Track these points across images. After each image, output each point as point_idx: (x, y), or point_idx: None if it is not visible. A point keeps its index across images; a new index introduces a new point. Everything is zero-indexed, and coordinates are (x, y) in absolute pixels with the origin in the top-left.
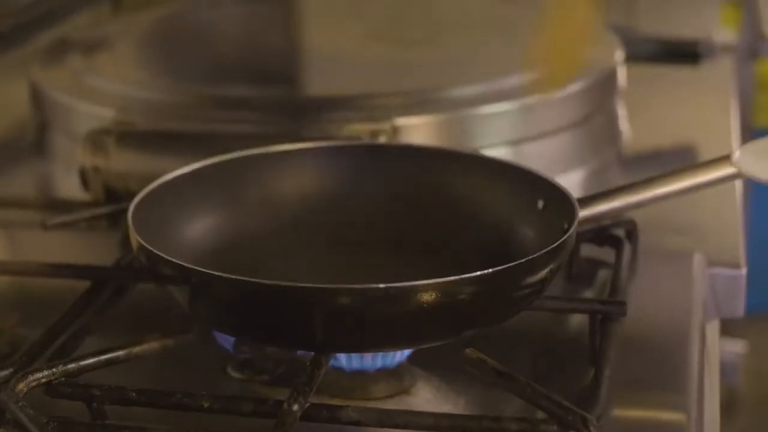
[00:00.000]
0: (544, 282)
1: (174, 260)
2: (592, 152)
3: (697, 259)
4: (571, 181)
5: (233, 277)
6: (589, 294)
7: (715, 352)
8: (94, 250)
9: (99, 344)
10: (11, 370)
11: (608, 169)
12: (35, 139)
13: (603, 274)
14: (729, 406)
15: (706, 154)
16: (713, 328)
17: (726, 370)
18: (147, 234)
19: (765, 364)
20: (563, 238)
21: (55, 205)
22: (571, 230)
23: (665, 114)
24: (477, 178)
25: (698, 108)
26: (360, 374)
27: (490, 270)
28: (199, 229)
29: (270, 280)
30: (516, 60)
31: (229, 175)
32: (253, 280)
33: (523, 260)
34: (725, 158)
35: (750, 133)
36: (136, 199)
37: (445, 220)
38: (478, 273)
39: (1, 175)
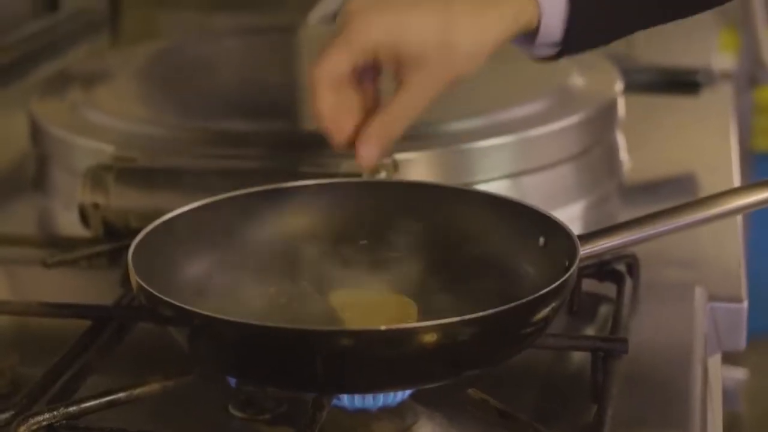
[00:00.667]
0: (546, 320)
1: (174, 302)
2: (592, 184)
3: (699, 293)
4: (572, 214)
5: (233, 319)
6: (590, 329)
7: (717, 385)
8: (94, 288)
9: (101, 385)
10: (12, 412)
11: (609, 200)
12: (35, 174)
13: (605, 309)
14: (731, 429)
15: (706, 182)
16: (715, 361)
17: (727, 395)
18: (147, 274)
19: (765, 384)
20: (565, 277)
21: (55, 242)
22: (573, 268)
23: (665, 143)
24: (479, 214)
25: (698, 136)
26: (362, 413)
27: (491, 311)
28: (199, 267)
29: (271, 323)
30: (515, 92)
31: (229, 213)
32: (253, 323)
33: (523, 300)
34: (728, 192)
35: (749, 156)
36: (137, 240)
37: (446, 257)
38: (478, 314)
39: (1, 210)
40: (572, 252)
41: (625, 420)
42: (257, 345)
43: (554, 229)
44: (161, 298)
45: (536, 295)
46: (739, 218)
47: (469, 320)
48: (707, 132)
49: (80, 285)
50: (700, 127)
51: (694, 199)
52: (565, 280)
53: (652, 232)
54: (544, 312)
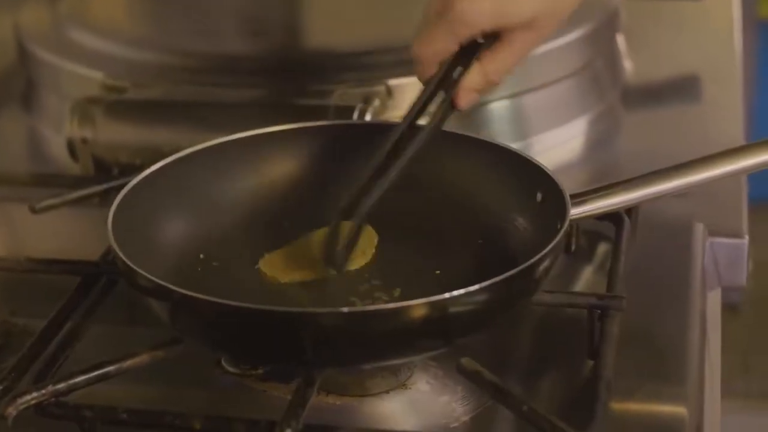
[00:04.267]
0: (538, 283)
1: (157, 280)
2: (595, 97)
3: (698, 229)
4: (576, 129)
5: (217, 300)
6: (588, 270)
7: (716, 322)
8: (85, 230)
9: (90, 347)
10: (0, 388)
11: (612, 110)
12: (23, 92)
13: (603, 249)
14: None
15: (709, 85)
16: (715, 296)
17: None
18: (127, 239)
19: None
20: (553, 243)
21: (44, 180)
22: (560, 233)
23: (667, 45)
24: (477, 163)
25: (701, 38)
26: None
27: (478, 286)
28: (179, 225)
29: (253, 304)
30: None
31: (205, 163)
32: (235, 303)
33: (513, 271)
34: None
35: (756, 24)
36: (114, 206)
37: (441, 205)
38: (468, 289)
39: None
40: (563, 214)
41: (622, 373)
42: (239, 325)
43: (551, 187)
44: (142, 274)
45: (525, 265)
46: None
47: (459, 296)
48: (710, 33)
49: (70, 227)
50: (703, 29)
51: (696, 159)
52: (554, 245)
53: (651, 190)
54: (536, 275)
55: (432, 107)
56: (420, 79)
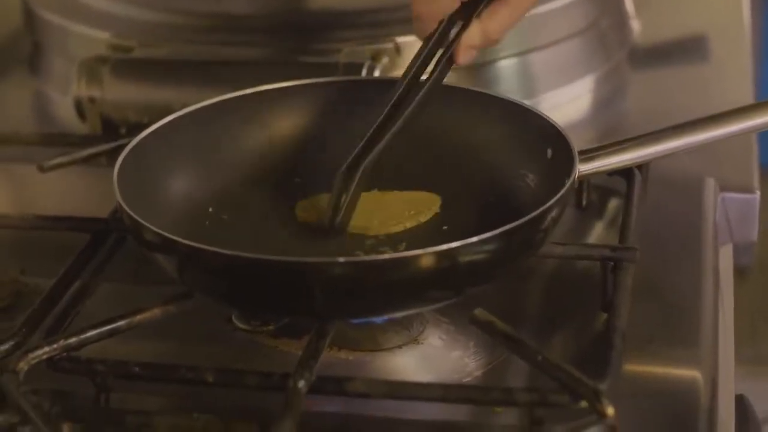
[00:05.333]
0: (546, 233)
1: (163, 233)
2: (602, 56)
3: (709, 184)
4: (583, 87)
5: (224, 251)
6: (600, 226)
7: (729, 276)
8: (94, 189)
9: (101, 303)
10: (12, 343)
11: (620, 69)
12: (29, 56)
13: (614, 204)
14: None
15: (717, 46)
16: (726, 251)
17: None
18: (134, 195)
19: None
20: (559, 195)
21: (52, 139)
22: (567, 185)
23: (675, 7)
24: (488, 118)
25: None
26: (368, 325)
27: (488, 234)
28: (187, 180)
29: (262, 255)
30: None
31: (213, 119)
32: (244, 254)
33: (519, 222)
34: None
35: None
36: (119, 161)
37: (450, 161)
38: (477, 238)
39: None
40: (571, 167)
41: (634, 326)
42: (249, 276)
43: (561, 142)
44: (148, 227)
45: (529, 216)
46: None
47: (469, 245)
48: None
49: (79, 185)
50: None
51: (705, 116)
52: (559, 198)
53: (660, 148)
54: (543, 226)
55: (431, 64)
56: (419, 36)
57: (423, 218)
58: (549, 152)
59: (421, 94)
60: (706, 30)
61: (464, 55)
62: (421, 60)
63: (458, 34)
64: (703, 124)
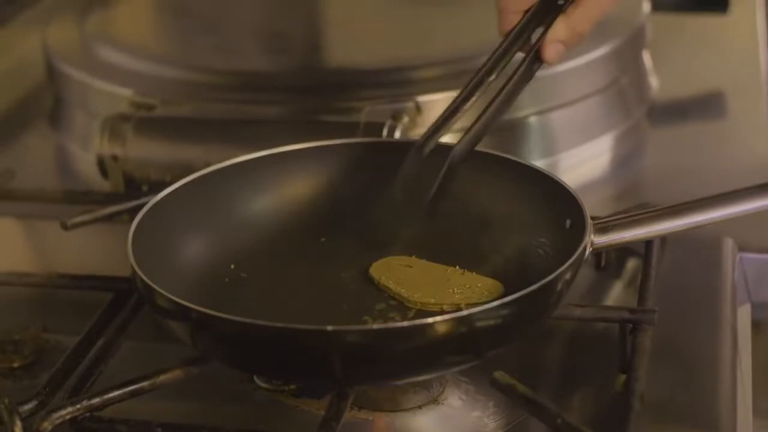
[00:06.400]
0: (559, 297)
1: (174, 298)
2: (621, 113)
3: (727, 244)
4: (602, 146)
5: (237, 319)
6: (618, 285)
7: (746, 336)
8: (116, 246)
9: (124, 362)
10: (35, 402)
11: (639, 127)
12: (51, 110)
13: (632, 264)
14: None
15: (735, 102)
16: (744, 311)
17: None
18: (148, 260)
19: None
20: (570, 261)
21: (74, 197)
22: (575, 257)
23: (693, 61)
24: (510, 185)
25: (726, 54)
26: (388, 385)
27: (507, 299)
28: (206, 240)
29: (277, 323)
30: None
31: (233, 179)
32: (255, 322)
33: (532, 288)
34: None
35: None
36: (134, 224)
37: (468, 225)
38: (494, 304)
39: (18, 145)
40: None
41: (653, 386)
42: (261, 343)
43: (580, 214)
44: (158, 291)
45: (539, 284)
46: None
47: (485, 311)
48: (735, 48)
49: (101, 243)
50: (728, 44)
51: (719, 194)
52: (571, 263)
53: (678, 223)
54: (555, 292)
55: (507, 60)
56: (501, 30)
57: (465, 302)
58: (568, 222)
59: (504, 93)
60: (723, 86)
61: (551, 52)
62: (500, 55)
63: (544, 30)
64: (721, 200)
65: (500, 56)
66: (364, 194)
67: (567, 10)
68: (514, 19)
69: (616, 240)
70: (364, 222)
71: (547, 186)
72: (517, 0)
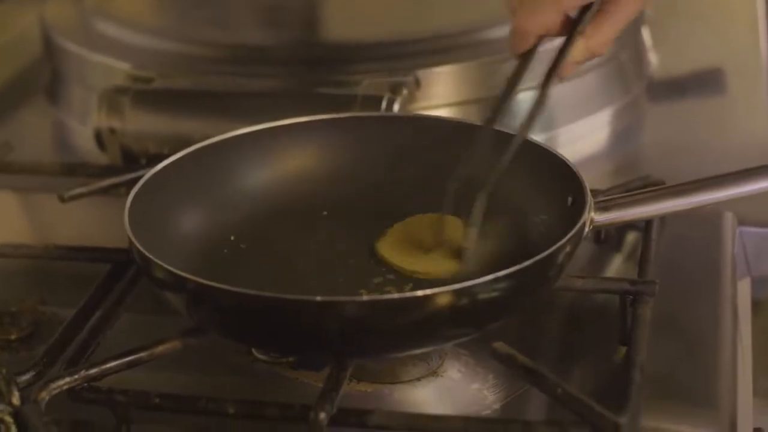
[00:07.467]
0: (559, 270)
1: (170, 268)
2: (620, 89)
3: (727, 218)
4: (601, 121)
5: (232, 289)
6: (618, 259)
7: (746, 311)
8: (114, 219)
9: (122, 334)
10: (33, 373)
11: (637, 103)
12: (48, 85)
13: (632, 237)
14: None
15: (734, 79)
16: (744, 285)
17: None
18: (145, 231)
19: None
20: (568, 236)
21: (71, 169)
22: (574, 231)
23: (691, 36)
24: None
25: (725, 32)
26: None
27: (504, 272)
28: (204, 213)
29: (274, 293)
30: None
31: (231, 152)
32: (249, 292)
33: (531, 261)
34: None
35: None
36: (131, 197)
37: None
38: (490, 277)
39: (15, 119)
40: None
41: (653, 359)
42: (259, 314)
43: (581, 192)
44: (155, 261)
45: (537, 257)
46: None
47: (485, 282)
48: (735, 26)
49: (99, 215)
50: (727, 22)
51: (721, 174)
52: (569, 238)
53: (679, 202)
54: (555, 265)
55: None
56: (514, 52)
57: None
58: (569, 200)
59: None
60: (722, 63)
61: (569, 72)
62: (519, 77)
63: (563, 51)
64: (724, 180)
65: (513, 79)
66: (367, 168)
67: (587, 32)
68: (529, 42)
69: (616, 219)
70: (366, 195)
71: (549, 162)
72: (533, 24)
